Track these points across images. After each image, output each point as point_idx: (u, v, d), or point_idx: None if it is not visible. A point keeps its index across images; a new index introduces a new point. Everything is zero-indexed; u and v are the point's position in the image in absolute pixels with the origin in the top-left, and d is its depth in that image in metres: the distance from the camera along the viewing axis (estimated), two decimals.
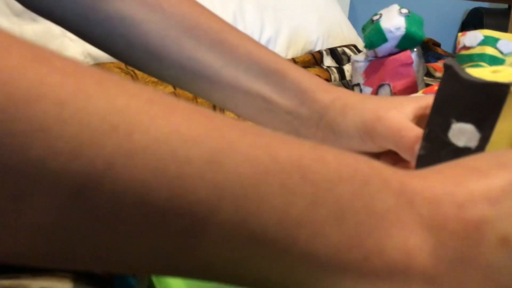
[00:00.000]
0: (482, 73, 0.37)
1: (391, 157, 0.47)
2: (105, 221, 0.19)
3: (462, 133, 0.32)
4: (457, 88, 0.32)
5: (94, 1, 0.50)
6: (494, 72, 0.38)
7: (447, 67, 0.32)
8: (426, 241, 0.23)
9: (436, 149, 0.33)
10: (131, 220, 0.20)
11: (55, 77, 0.19)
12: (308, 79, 0.51)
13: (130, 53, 0.52)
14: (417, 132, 0.43)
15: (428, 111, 0.45)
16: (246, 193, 0.21)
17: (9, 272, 0.34)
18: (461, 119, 0.32)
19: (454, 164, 0.26)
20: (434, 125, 0.33)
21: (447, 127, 0.32)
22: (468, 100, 0.32)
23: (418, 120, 0.46)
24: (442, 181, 0.25)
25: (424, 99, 0.47)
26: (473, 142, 0.32)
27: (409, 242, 0.23)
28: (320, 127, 0.49)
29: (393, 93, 0.97)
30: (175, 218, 0.20)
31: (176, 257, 0.21)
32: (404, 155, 0.44)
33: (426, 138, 0.34)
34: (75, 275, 0.36)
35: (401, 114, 0.45)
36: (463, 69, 0.32)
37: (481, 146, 0.32)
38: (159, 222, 0.20)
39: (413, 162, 0.40)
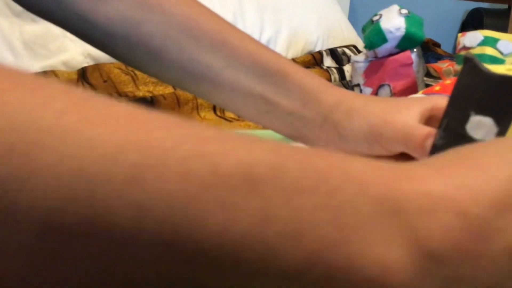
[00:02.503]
0: (497, 70, 0.37)
1: (402, 161, 0.46)
2: (12, 247, 0.18)
3: (480, 126, 0.32)
4: (477, 81, 0.32)
5: (93, 2, 0.49)
6: (508, 70, 0.38)
7: (467, 60, 0.32)
8: (411, 256, 0.20)
9: (451, 141, 0.32)
10: (40, 244, 0.18)
11: None
12: (311, 79, 0.50)
13: (131, 55, 0.51)
14: (427, 129, 0.42)
15: (434, 112, 0.45)
16: (174, 214, 0.18)
17: None
18: (480, 112, 0.32)
19: (456, 158, 0.23)
20: (452, 117, 0.33)
21: (466, 120, 0.32)
22: (488, 94, 0.31)
23: (425, 122, 0.45)
24: (441, 182, 0.22)
25: (429, 101, 0.47)
26: (490, 136, 0.31)
27: (387, 257, 0.20)
28: (324, 129, 0.49)
29: (393, 94, 0.97)
30: (88, 240, 0.18)
31: (102, 276, 0.19)
32: (415, 153, 0.43)
33: (445, 128, 0.33)
34: None
35: (408, 117, 0.44)
36: (482, 64, 0.32)
37: None
38: (69, 244, 0.18)
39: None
